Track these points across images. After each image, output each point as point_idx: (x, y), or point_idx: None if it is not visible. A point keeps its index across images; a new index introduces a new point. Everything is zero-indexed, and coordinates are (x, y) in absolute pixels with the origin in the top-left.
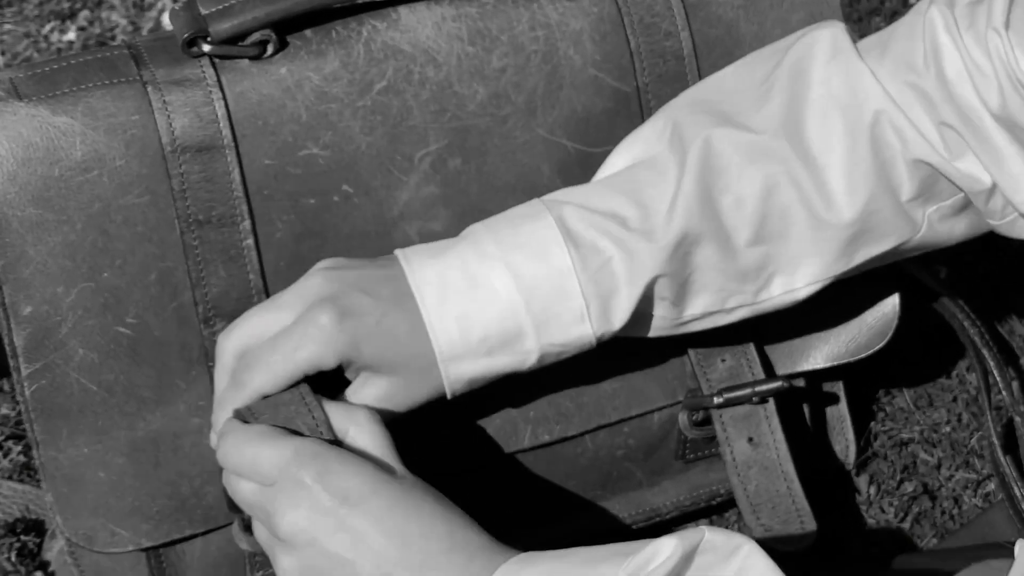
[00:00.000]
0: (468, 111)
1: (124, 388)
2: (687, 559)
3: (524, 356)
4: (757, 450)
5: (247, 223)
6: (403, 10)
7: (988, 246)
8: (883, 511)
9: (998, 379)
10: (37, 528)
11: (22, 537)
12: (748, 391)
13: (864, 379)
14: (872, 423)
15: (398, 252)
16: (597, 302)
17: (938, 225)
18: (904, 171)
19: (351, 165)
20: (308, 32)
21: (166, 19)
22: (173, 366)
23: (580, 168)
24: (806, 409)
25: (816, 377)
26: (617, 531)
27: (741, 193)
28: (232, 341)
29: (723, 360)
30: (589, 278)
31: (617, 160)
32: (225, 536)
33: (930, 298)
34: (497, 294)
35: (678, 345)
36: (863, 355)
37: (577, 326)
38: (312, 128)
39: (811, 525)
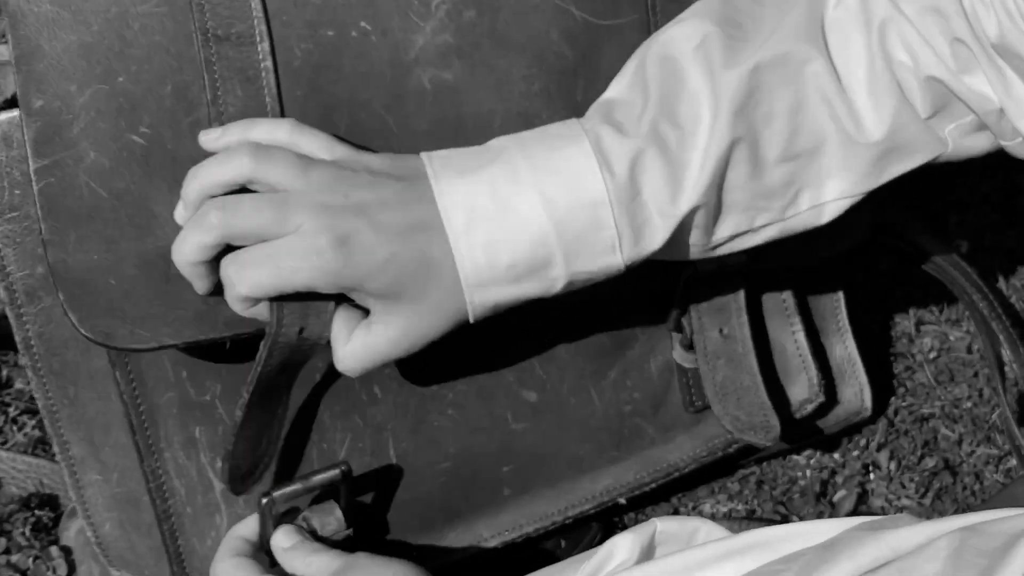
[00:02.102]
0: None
1: (135, 199)
2: (647, 552)
3: (551, 283)
4: (727, 342)
5: (266, 44)
6: None
7: (1014, 223)
8: (904, 487)
9: (1010, 354)
10: (52, 503)
11: (36, 512)
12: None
13: (883, 351)
14: (893, 398)
15: (426, 162)
16: (629, 232)
17: (961, 141)
18: (917, 88)
19: (370, 2)
20: None
21: None
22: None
23: (585, 37)
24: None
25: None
26: (637, 490)
27: (772, 108)
28: (208, 189)
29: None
30: (623, 210)
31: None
32: None
33: (943, 274)
34: (527, 222)
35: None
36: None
37: (607, 256)
38: None
39: (774, 420)
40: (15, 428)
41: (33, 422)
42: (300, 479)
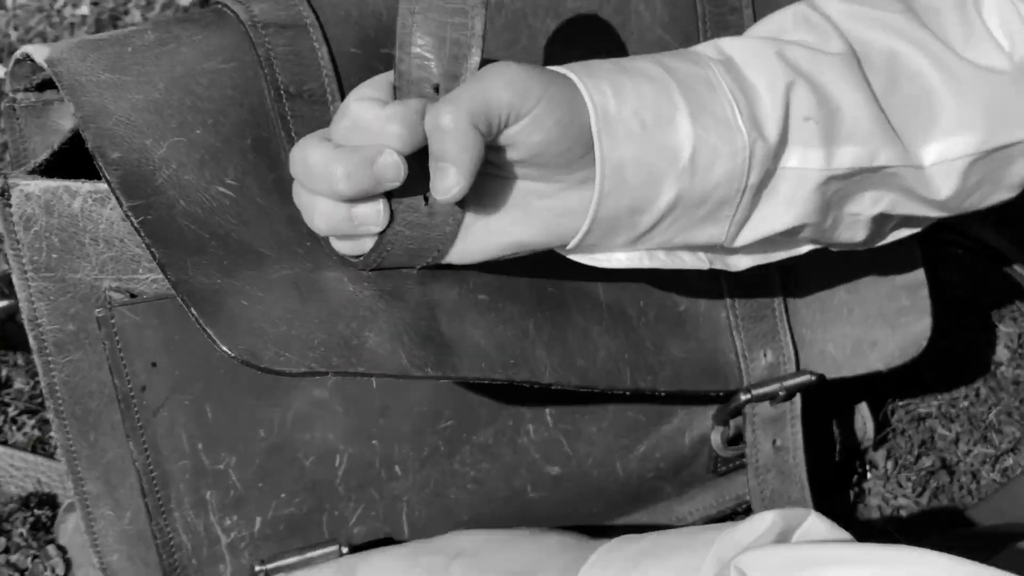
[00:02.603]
0: (538, 44)
1: (239, 243)
2: (784, 535)
3: (677, 144)
4: (778, 454)
5: (339, 103)
6: None
7: None
8: (900, 486)
9: None
10: (50, 502)
11: (35, 511)
12: (776, 386)
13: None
14: (889, 398)
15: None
16: (744, 102)
17: None
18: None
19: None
20: None
21: None
22: (285, 235)
23: None
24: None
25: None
26: None
27: (868, 54)
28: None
29: (765, 355)
30: (734, 82)
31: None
32: None
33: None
34: (648, 75)
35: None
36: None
37: (728, 124)
38: (392, 31)
39: None
40: (14, 428)
41: (32, 422)
42: (297, 551)
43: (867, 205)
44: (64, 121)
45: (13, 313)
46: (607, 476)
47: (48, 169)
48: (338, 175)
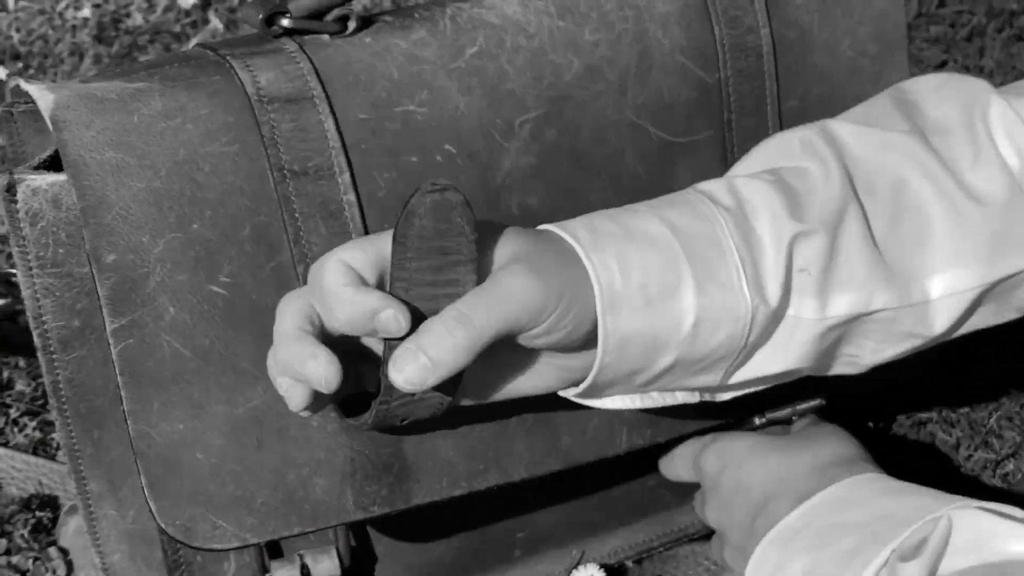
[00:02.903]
0: (565, 81)
1: (220, 356)
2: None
3: (680, 317)
4: None
5: (347, 176)
6: None
7: None
8: None
9: None
10: (51, 504)
11: (37, 513)
12: (788, 410)
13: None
14: (890, 403)
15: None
16: (750, 263)
17: None
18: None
19: (451, 125)
20: (387, 16)
21: None
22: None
23: (659, 157)
24: None
25: None
26: (644, 553)
27: (873, 182)
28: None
29: None
30: (742, 238)
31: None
32: None
33: None
34: (655, 240)
35: None
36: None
37: (733, 293)
38: (406, 86)
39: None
40: (16, 430)
41: (34, 423)
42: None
43: (867, 351)
44: None
45: (10, 313)
46: (612, 483)
47: (51, 166)
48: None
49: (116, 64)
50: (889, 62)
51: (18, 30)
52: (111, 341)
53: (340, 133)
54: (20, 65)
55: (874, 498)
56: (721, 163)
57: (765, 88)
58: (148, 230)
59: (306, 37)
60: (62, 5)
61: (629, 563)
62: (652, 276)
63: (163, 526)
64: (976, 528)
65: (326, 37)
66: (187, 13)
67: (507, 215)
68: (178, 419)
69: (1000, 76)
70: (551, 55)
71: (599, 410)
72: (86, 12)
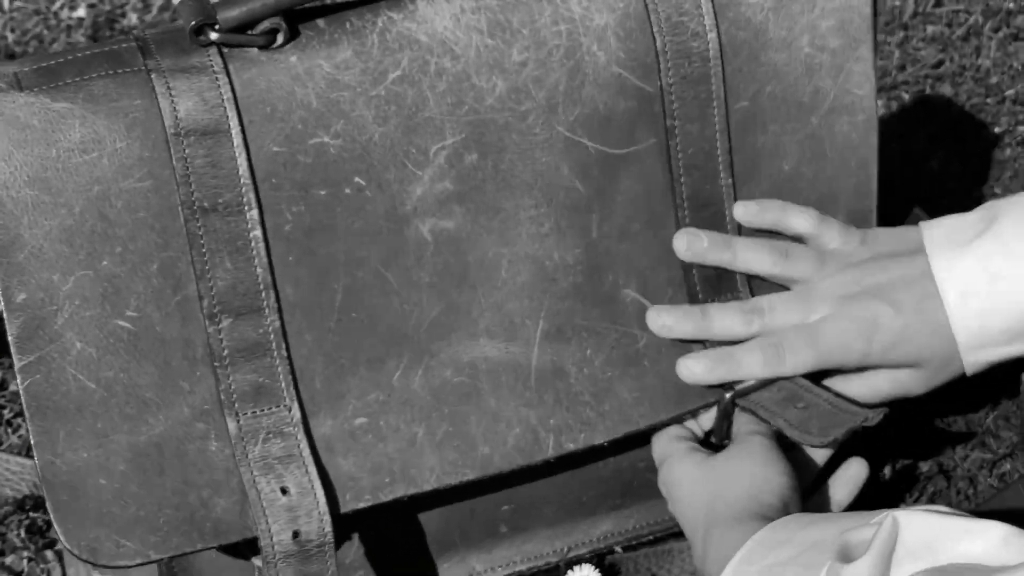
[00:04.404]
0: (486, 105)
1: (124, 387)
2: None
3: None
4: (806, 411)
5: (255, 212)
6: (420, 1)
7: None
8: (897, 491)
9: None
10: (46, 505)
11: (31, 514)
12: (755, 382)
13: None
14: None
15: (925, 235)
16: None
17: None
18: None
19: (364, 156)
20: (320, 22)
21: None
22: (176, 365)
23: (599, 168)
24: None
25: None
26: (635, 539)
27: None
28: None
29: None
30: None
31: None
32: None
33: None
34: (1019, 289)
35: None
36: None
37: None
38: (323, 116)
39: (867, 411)
40: (10, 431)
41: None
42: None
43: None
44: None
45: None
46: (600, 461)
47: None
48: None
49: (57, 53)
50: (851, 55)
51: (13, 30)
52: (18, 377)
53: (252, 168)
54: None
55: (798, 532)
56: (665, 170)
57: (711, 92)
58: (59, 268)
59: (233, 50)
60: (57, 5)
61: (618, 549)
62: (1013, 322)
63: (68, 547)
64: (927, 529)
65: (254, 51)
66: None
67: (418, 240)
68: (83, 448)
69: (997, 76)
70: (474, 79)
71: (519, 418)
72: (81, 12)
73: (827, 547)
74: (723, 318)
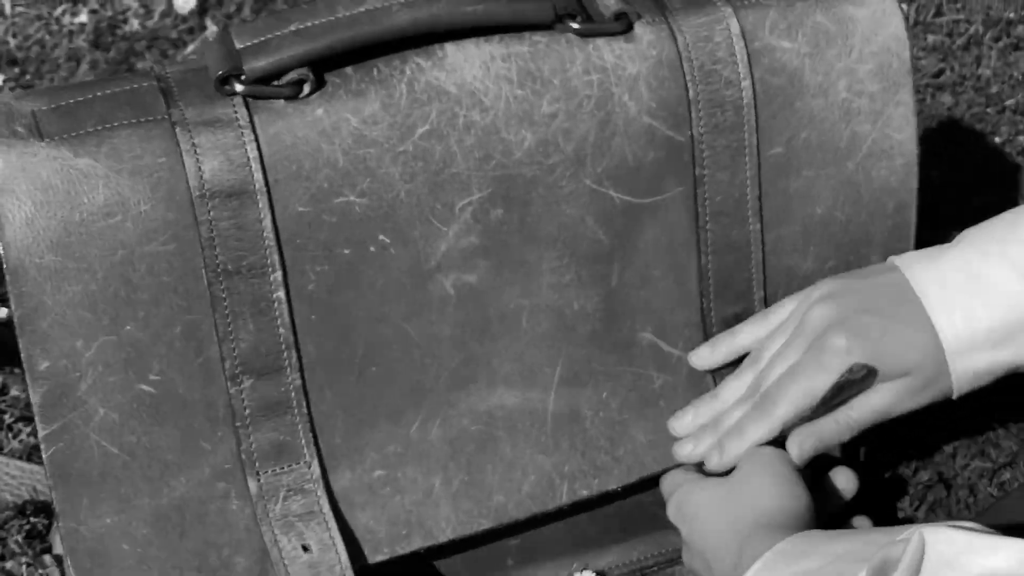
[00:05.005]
0: (514, 159)
1: (147, 451)
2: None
3: None
4: None
5: (278, 274)
6: (450, 47)
7: None
8: (898, 499)
9: None
10: (46, 509)
11: (31, 519)
12: None
13: None
14: None
15: (895, 260)
16: None
17: None
18: None
19: (389, 214)
20: (348, 70)
21: (178, 1)
22: (198, 426)
23: (623, 219)
24: None
25: None
26: (638, 570)
27: None
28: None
29: None
30: None
31: None
32: None
33: None
34: (1000, 288)
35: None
36: None
37: None
38: (349, 174)
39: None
40: (10, 435)
41: (28, 429)
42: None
43: None
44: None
45: (7, 320)
46: (607, 497)
47: None
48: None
49: (75, 87)
50: (891, 100)
51: (15, 35)
52: (42, 446)
53: (276, 230)
54: (17, 71)
55: (823, 544)
56: (691, 218)
57: (744, 140)
58: (82, 334)
59: (259, 102)
60: (59, 11)
61: None
62: (997, 323)
63: None
64: (952, 544)
65: (280, 102)
66: (184, 19)
67: (441, 295)
68: (105, 514)
69: (997, 85)
70: (503, 132)
71: (535, 465)
72: (83, 18)
73: (855, 559)
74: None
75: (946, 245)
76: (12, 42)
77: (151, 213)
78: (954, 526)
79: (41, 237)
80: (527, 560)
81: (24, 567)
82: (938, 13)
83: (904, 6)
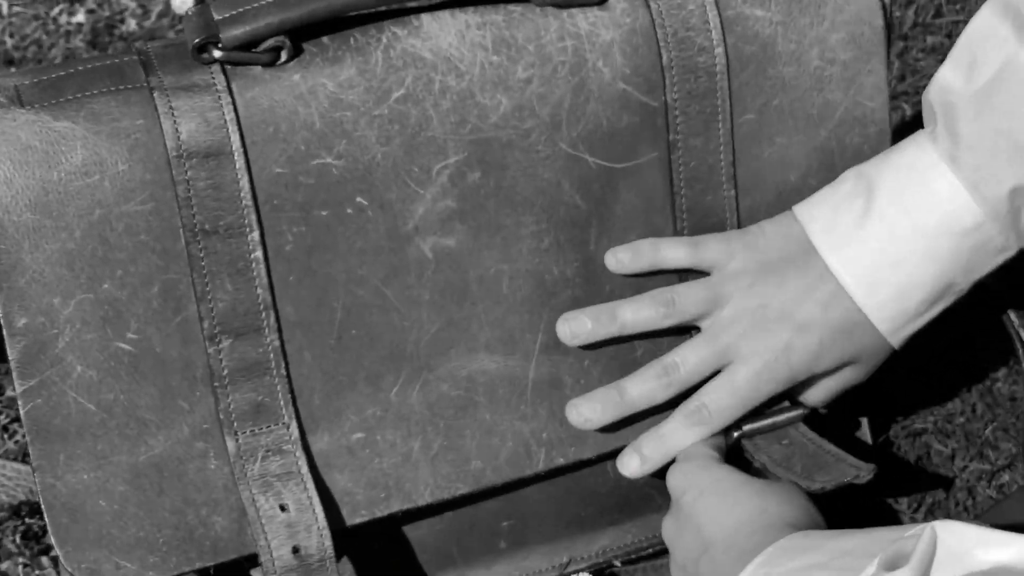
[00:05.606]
0: (490, 123)
1: (124, 409)
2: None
3: (956, 296)
4: (790, 447)
5: (256, 234)
6: (426, 17)
7: None
8: (896, 501)
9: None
10: (42, 511)
11: (27, 520)
12: (768, 422)
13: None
14: (885, 414)
15: (810, 235)
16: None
17: None
18: None
19: (366, 176)
20: (325, 39)
21: (175, 1)
22: (176, 385)
23: (600, 183)
24: None
25: None
26: (633, 553)
27: None
28: (628, 330)
29: None
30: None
31: None
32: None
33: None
34: (921, 268)
35: None
36: None
37: (996, 257)
38: (326, 136)
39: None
40: (6, 436)
41: (25, 430)
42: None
43: None
44: None
45: None
46: (598, 475)
47: None
48: None
49: (58, 65)
50: (863, 68)
51: (12, 35)
52: (20, 402)
53: (253, 190)
54: (13, 70)
55: (827, 541)
56: (665, 183)
57: (716, 106)
58: (59, 292)
59: (236, 68)
60: (56, 10)
61: (617, 563)
62: (928, 295)
63: (70, 570)
64: (962, 538)
65: (257, 68)
66: (181, 19)
67: (419, 259)
68: (83, 470)
69: None
70: (478, 97)
71: (513, 431)
72: (80, 17)
73: (862, 554)
74: (641, 389)
75: (849, 194)
76: (9, 42)
77: (129, 173)
78: (966, 522)
79: (20, 196)
80: (520, 543)
81: (21, 568)
82: (937, 14)
83: (904, 8)
